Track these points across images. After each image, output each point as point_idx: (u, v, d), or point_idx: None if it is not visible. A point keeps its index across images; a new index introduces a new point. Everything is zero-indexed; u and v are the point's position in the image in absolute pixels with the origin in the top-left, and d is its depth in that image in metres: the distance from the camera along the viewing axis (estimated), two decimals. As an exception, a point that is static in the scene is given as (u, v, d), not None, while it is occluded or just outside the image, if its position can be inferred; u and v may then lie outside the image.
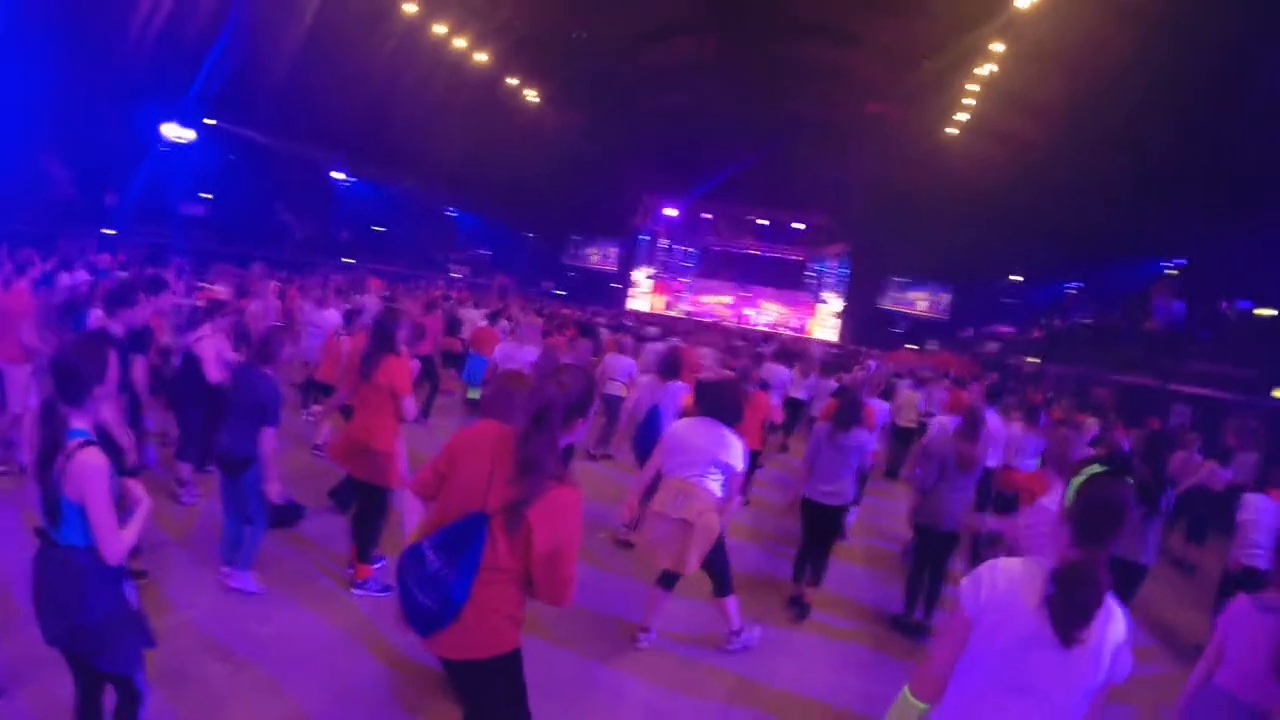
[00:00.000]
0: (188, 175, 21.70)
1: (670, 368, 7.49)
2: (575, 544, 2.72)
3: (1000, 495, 8.10)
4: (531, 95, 29.97)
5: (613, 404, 9.97)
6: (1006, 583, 2.29)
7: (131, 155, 20.01)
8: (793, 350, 16.26)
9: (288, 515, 6.41)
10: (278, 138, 23.01)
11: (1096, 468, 2.37)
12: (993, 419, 8.15)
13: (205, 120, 21.27)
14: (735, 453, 4.99)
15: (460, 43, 24.66)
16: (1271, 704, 3.23)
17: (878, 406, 9.68)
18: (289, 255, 22.85)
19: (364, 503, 5.59)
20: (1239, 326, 17.02)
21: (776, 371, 11.86)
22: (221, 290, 11.99)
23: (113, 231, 19.30)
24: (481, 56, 25.82)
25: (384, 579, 5.59)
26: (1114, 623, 2.24)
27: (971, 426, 6.18)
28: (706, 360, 12.50)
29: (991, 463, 7.98)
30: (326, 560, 5.94)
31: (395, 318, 5.69)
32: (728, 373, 9.02)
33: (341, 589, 5.50)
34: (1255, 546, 7.12)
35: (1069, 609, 2.18)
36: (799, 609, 6.26)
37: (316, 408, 10.02)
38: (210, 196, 23.15)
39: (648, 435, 7.02)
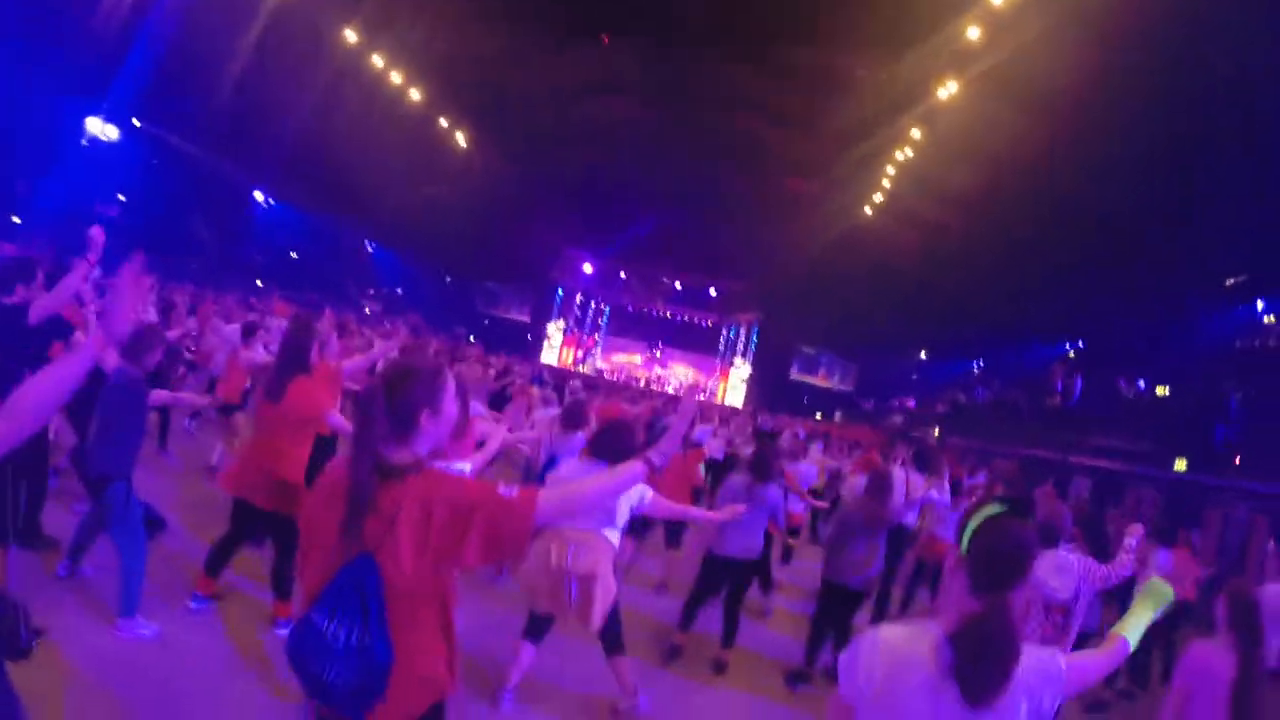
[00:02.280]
0: (107, 174, 20.87)
1: (574, 417, 7.08)
2: (478, 499, 2.25)
3: (922, 563, 8.41)
4: (461, 138, 30.06)
5: None
6: (889, 656, 2.01)
7: (51, 146, 19.16)
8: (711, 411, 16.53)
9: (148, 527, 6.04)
10: (204, 148, 22.36)
11: (994, 508, 2.11)
12: (918, 482, 8.26)
13: (132, 121, 20.66)
14: (637, 488, 4.70)
15: (396, 77, 24.68)
16: None
17: (804, 470, 9.82)
18: (198, 271, 22.07)
19: (277, 535, 5.11)
20: (1134, 403, 17.99)
21: (698, 430, 11.89)
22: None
23: (19, 220, 18.37)
24: (416, 94, 25.87)
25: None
26: (1026, 665, 1.97)
27: (878, 486, 6.36)
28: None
29: (910, 522, 8.26)
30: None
31: (308, 331, 5.25)
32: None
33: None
34: None
35: (976, 664, 1.92)
36: (679, 657, 6.18)
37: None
38: (124, 199, 22.28)
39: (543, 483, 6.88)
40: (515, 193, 34.23)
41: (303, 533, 2.42)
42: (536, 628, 4.94)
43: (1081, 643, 6.44)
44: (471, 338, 36.96)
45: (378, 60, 23.71)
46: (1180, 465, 14.51)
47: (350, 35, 22.25)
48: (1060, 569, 4.70)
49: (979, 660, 1.90)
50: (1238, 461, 13.67)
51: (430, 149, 29.30)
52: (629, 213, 36.51)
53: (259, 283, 24.35)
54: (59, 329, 5.62)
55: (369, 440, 2.26)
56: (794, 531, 8.96)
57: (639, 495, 4.78)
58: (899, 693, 1.95)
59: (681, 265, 38.81)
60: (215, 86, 20.65)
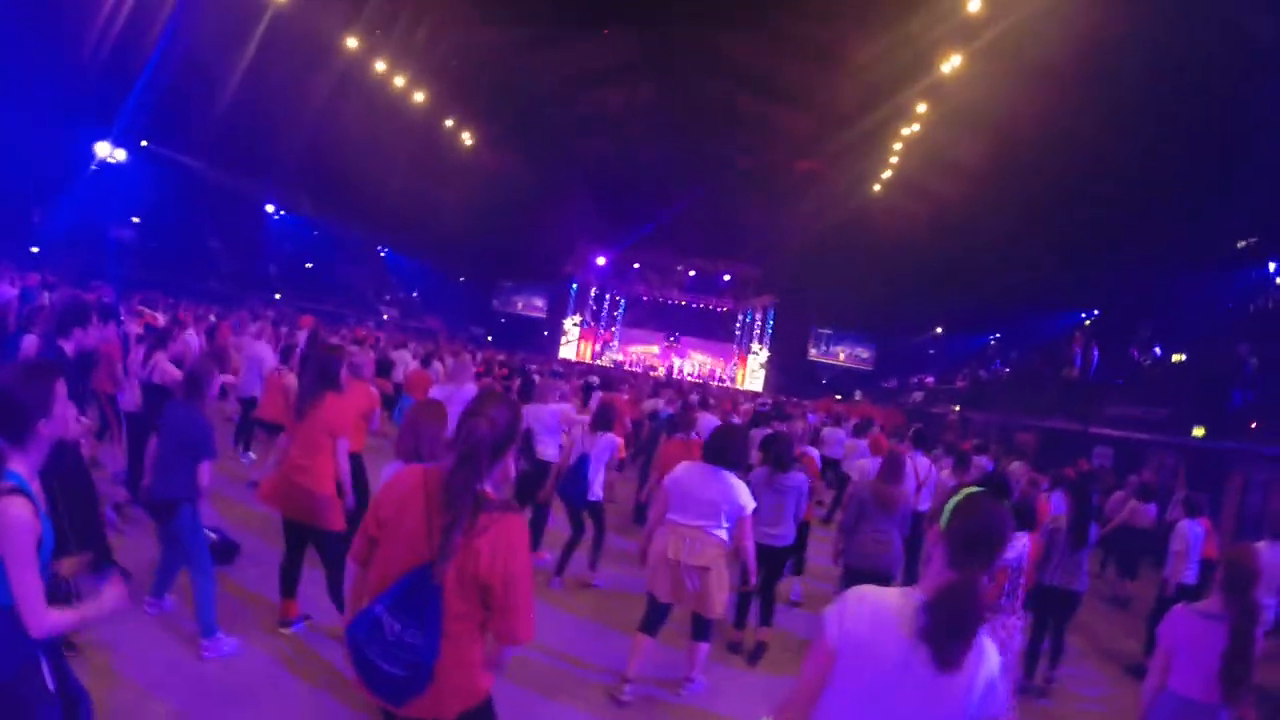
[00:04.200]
0: (118, 197, 21.14)
1: (604, 419, 7.53)
2: (526, 572, 2.56)
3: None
4: (467, 138, 30.12)
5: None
6: (874, 611, 2.17)
7: (60, 172, 19.43)
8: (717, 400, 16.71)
9: (221, 552, 6.21)
10: (212, 165, 22.59)
11: (973, 489, 2.28)
12: (924, 464, 8.58)
13: (140, 142, 20.85)
14: (743, 496, 5.14)
15: (400, 81, 24.76)
16: (1219, 700, 3.60)
17: (814, 454, 9.87)
18: (216, 287, 22.35)
19: (297, 543, 5.32)
20: (1151, 371, 17.88)
21: (707, 420, 11.96)
22: (158, 317, 11.74)
23: (37, 249, 18.64)
24: (420, 96, 25.95)
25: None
26: (987, 656, 2.13)
27: (892, 469, 6.45)
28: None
29: (924, 506, 8.23)
30: (260, 603, 5.70)
31: (336, 353, 5.58)
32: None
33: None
34: (1189, 567, 7.82)
35: (947, 631, 2.07)
36: (740, 652, 6.42)
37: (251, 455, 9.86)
38: (138, 221, 22.52)
39: (572, 482, 7.25)
40: (524, 189, 34.35)
41: (372, 524, 2.68)
42: (652, 621, 5.29)
43: (1050, 599, 6.72)
44: (490, 338, 37.20)
45: (380, 65, 23.80)
46: (1198, 432, 14.40)
47: (351, 42, 22.34)
48: None
49: (949, 627, 2.06)
50: (1254, 426, 13.51)
51: (437, 150, 29.40)
52: (639, 202, 36.52)
53: (277, 295, 24.55)
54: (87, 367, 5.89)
55: (476, 472, 2.52)
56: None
57: (748, 502, 5.16)
58: (877, 647, 2.12)
59: (694, 252, 38.83)
60: (220, 102, 20.87)
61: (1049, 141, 19.60)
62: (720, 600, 5.14)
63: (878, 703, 2.12)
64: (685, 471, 5.27)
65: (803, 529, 7.55)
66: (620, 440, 7.87)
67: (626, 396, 13.62)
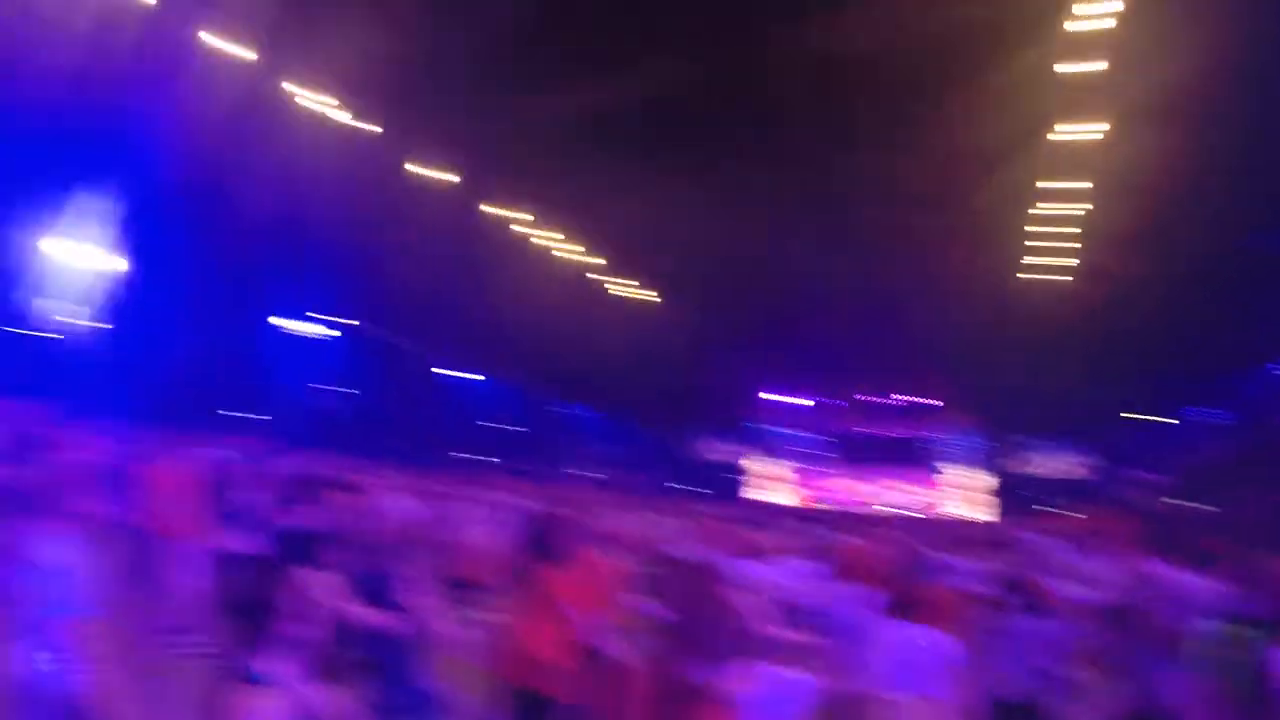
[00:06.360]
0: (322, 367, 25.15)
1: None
2: None
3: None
4: (651, 295, 31.89)
5: None
6: None
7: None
8: None
9: None
10: (397, 334, 26.62)
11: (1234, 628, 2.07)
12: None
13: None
14: None
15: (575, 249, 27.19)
16: None
17: None
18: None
19: None
20: None
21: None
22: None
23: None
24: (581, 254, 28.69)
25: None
26: None
27: None
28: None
29: None
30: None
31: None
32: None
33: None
34: None
35: None
36: None
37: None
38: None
39: None
40: (700, 337, 35.07)
41: None
42: None
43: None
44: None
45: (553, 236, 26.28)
46: None
47: (524, 216, 25.02)
48: None
49: None
50: None
51: (605, 303, 31.16)
52: (810, 338, 36.31)
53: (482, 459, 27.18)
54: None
55: None
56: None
57: None
58: None
59: (873, 379, 38.50)
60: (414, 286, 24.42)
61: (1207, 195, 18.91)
62: None
63: None
64: None
65: None
66: None
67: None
